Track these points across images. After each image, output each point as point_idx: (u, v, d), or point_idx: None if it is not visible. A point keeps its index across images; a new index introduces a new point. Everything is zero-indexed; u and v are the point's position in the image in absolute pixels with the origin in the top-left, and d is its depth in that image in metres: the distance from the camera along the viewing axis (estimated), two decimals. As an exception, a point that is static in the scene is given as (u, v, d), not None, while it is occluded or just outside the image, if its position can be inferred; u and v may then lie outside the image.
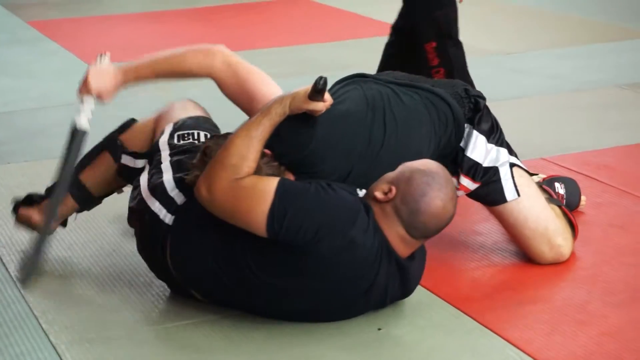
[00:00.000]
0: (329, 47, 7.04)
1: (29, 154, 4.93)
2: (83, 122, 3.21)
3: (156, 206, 3.11)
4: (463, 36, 6.96)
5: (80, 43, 7.41)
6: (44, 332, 2.98)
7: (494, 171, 3.30)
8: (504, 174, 3.30)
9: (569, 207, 3.70)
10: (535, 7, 8.21)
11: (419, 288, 3.23)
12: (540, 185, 3.64)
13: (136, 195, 3.24)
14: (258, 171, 2.96)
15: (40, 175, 4.26)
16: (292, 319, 3.03)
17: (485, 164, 3.29)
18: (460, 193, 3.33)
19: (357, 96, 3.19)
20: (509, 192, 3.31)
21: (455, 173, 3.26)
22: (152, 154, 3.37)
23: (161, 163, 3.25)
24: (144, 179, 3.27)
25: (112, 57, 6.85)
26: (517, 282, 3.38)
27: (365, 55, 6.57)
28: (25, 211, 3.65)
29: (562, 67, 6.21)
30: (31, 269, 3.09)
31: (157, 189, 3.15)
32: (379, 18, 7.89)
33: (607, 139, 4.71)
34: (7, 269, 3.48)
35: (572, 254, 3.45)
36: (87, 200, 3.60)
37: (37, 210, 3.61)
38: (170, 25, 7.90)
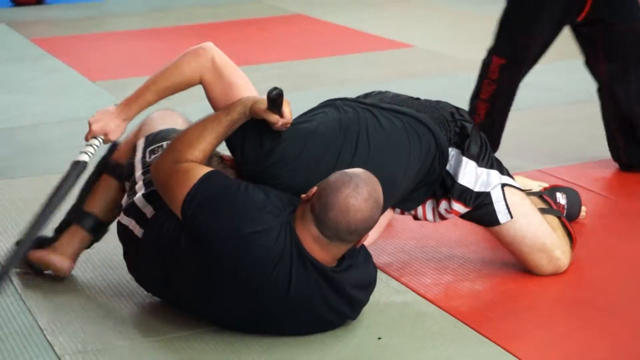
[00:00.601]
0: (326, 61, 7.04)
1: (32, 169, 4.92)
2: (82, 156, 3.22)
3: (132, 224, 3.13)
4: (460, 53, 7.04)
5: (82, 60, 7.41)
6: (49, 343, 2.96)
7: (485, 195, 3.29)
8: (496, 196, 3.30)
9: (570, 217, 3.72)
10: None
11: (418, 298, 3.25)
12: (541, 194, 3.65)
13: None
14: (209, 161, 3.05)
15: (43, 190, 4.23)
16: (242, 328, 3.03)
17: (476, 189, 3.28)
18: (451, 216, 3.37)
19: (331, 119, 3.18)
20: (501, 214, 3.30)
21: (446, 198, 3.30)
22: (130, 174, 3.38)
23: (136, 183, 3.26)
24: (124, 201, 3.29)
25: (111, 73, 6.88)
26: (516, 292, 3.37)
27: (361, 70, 6.61)
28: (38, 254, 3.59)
29: (556, 80, 6.21)
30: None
31: (131, 208, 3.17)
32: (375, 33, 7.95)
33: (603, 151, 4.71)
34: (11, 281, 3.41)
35: (571, 263, 3.44)
36: (98, 227, 3.56)
37: (49, 252, 3.57)
38: (169, 42, 7.90)
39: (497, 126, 4.49)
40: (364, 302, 3.02)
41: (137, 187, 3.23)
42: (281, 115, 2.91)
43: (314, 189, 2.83)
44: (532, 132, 5.17)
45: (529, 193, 3.61)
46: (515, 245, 3.38)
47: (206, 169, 2.94)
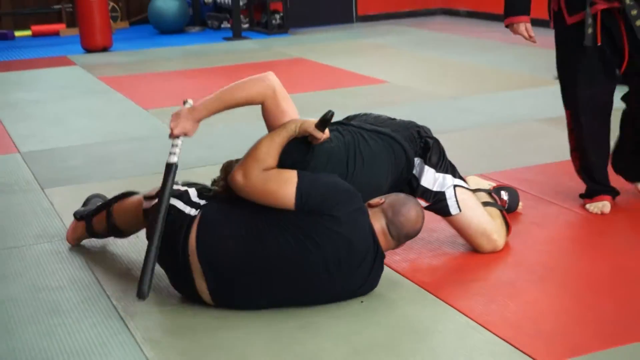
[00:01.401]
0: (321, 94, 7.04)
1: (100, 176, 4.91)
2: (173, 159, 3.16)
3: (181, 205, 3.07)
4: (423, 87, 7.06)
5: (137, 93, 7.41)
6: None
7: (441, 193, 3.37)
8: (449, 195, 3.37)
9: (510, 209, 3.81)
10: (473, 63, 8.23)
11: (391, 271, 3.29)
12: (489, 191, 3.68)
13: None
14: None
15: (109, 192, 4.25)
16: (297, 295, 3.00)
17: (434, 189, 3.37)
18: None
19: (339, 140, 3.22)
20: (452, 208, 3.37)
21: (412, 195, 3.35)
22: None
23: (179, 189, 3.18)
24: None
25: (159, 103, 6.88)
26: (465, 266, 3.41)
27: (348, 100, 6.60)
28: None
29: (493, 107, 6.22)
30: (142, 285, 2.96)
31: (183, 196, 3.11)
32: (358, 72, 7.95)
33: (527, 160, 4.74)
34: (110, 300, 3.24)
35: (506, 244, 3.49)
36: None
37: (80, 225, 3.67)
38: (201, 79, 7.90)
39: (597, 170, 3.86)
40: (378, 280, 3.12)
41: (181, 188, 3.16)
42: (324, 132, 3.05)
43: (383, 199, 3.04)
44: (476, 145, 5.17)
45: (480, 190, 3.65)
46: (463, 231, 3.43)
47: (293, 171, 2.97)
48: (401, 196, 3.09)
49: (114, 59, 9.73)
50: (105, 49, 10.42)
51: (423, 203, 3.33)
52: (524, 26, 3.76)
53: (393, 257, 3.41)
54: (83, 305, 3.19)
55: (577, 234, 3.73)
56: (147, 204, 3.22)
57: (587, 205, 3.85)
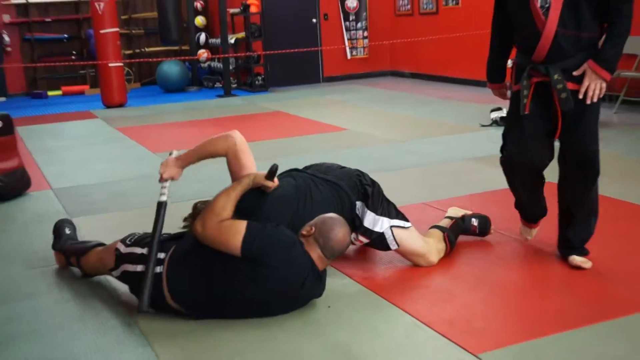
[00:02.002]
0: (294, 139, 7.04)
1: (116, 208, 4.88)
2: (163, 198, 3.19)
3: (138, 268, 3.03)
4: (376, 133, 7.11)
5: (147, 140, 7.39)
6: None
7: (380, 233, 3.32)
8: (388, 235, 3.32)
9: (483, 232, 3.73)
10: (415, 115, 8.30)
11: (352, 281, 3.28)
12: (460, 217, 3.67)
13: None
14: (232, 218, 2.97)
15: (123, 220, 4.23)
16: (256, 314, 2.95)
17: (375, 230, 3.32)
18: (358, 243, 3.52)
19: (291, 184, 3.24)
20: (392, 245, 3.34)
21: (355, 232, 3.36)
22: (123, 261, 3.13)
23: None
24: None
25: (165, 147, 6.83)
26: (409, 277, 3.38)
27: (316, 144, 6.62)
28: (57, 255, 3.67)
29: (432, 149, 6.24)
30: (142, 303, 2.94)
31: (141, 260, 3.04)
32: (324, 122, 7.97)
33: (460, 191, 4.76)
34: (124, 308, 3.19)
35: (447, 259, 3.48)
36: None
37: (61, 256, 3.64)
38: (198, 129, 7.85)
39: (529, 210, 3.53)
40: (323, 290, 3.06)
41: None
42: (272, 182, 3.07)
43: (313, 228, 2.94)
44: (420, 180, 5.19)
45: (452, 217, 3.66)
46: (403, 255, 3.43)
47: (243, 222, 2.88)
48: (327, 221, 2.98)
49: (128, 113, 9.70)
50: (121, 105, 10.42)
51: (364, 239, 3.36)
52: (497, 92, 3.48)
53: (354, 271, 3.42)
54: (102, 314, 3.15)
55: (503, 251, 3.67)
56: (121, 246, 3.17)
57: (520, 226, 3.66)
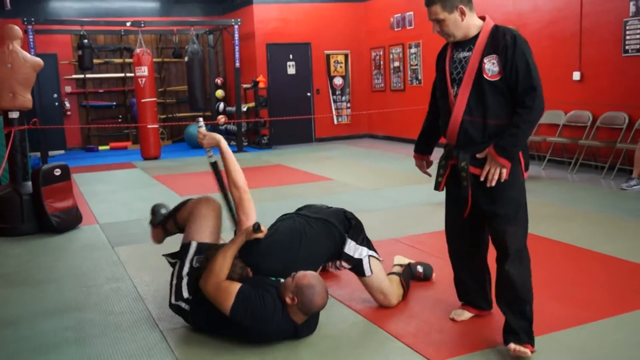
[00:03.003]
0: (291, 187, 7.00)
1: (148, 241, 4.72)
2: (212, 159, 3.17)
3: (182, 305, 2.94)
4: (355, 182, 7.12)
5: (175, 185, 7.36)
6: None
7: (359, 260, 3.12)
8: (365, 262, 3.12)
9: (427, 277, 3.56)
10: (387, 168, 8.31)
11: (348, 310, 3.19)
12: (407, 265, 3.50)
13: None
14: (234, 267, 2.81)
15: (154, 250, 4.17)
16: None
17: (355, 256, 3.11)
18: (342, 269, 3.19)
19: (287, 226, 3.02)
20: (367, 271, 3.12)
21: (339, 260, 3.14)
22: (181, 256, 3.04)
23: (182, 278, 2.98)
24: (174, 283, 3.00)
25: (190, 192, 6.74)
26: (374, 312, 3.23)
27: (307, 190, 6.60)
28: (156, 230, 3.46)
29: (400, 195, 6.24)
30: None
31: (178, 292, 2.96)
32: (315, 173, 7.98)
33: (421, 229, 4.74)
34: (154, 321, 3.12)
35: (403, 300, 3.29)
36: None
37: (159, 230, 3.43)
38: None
39: (463, 285, 3.02)
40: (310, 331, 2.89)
41: (183, 273, 2.98)
42: (261, 232, 2.82)
43: (295, 299, 2.69)
44: (390, 221, 5.17)
45: (400, 264, 3.50)
46: (369, 288, 3.20)
47: (237, 286, 2.72)
48: (306, 292, 2.69)
49: (161, 164, 9.68)
50: (156, 158, 10.40)
51: (345, 264, 3.13)
52: (417, 162, 3.10)
53: (354, 304, 3.35)
54: (137, 324, 3.10)
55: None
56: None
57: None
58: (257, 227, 2.82)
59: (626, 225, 4.69)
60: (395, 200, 5.99)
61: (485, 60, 2.51)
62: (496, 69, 2.49)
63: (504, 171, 2.54)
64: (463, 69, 2.58)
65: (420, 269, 3.57)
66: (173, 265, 3.07)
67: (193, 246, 3.02)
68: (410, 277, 3.49)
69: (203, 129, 3.15)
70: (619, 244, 4.17)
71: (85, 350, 2.82)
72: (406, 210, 5.55)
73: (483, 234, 2.84)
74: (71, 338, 2.97)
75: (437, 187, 2.77)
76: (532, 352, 2.56)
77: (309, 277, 2.72)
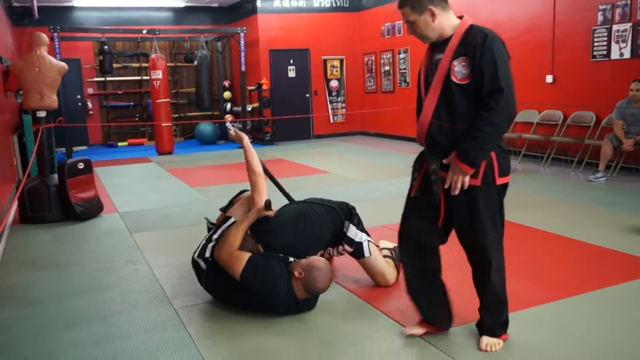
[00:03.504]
0: (292, 179, 6.97)
1: (164, 226, 4.82)
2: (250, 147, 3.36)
3: (201, 263, 2.97)
4: (350, 175, 7.13)
5: (187, 178, 7.33)
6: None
7: (360, 243, 3.15)
8: (365, 245, 3.15)
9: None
10: (378, 162, 8.30)
11: (345, 290, 3.18)
12: (392, 248, 3.40)
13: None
14: (246, 242, 2.85)
15: (168, 236, 4.18)
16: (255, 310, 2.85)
17: (356, 240, 3.14)
18: (344, 253, 3.19)
19: (293, 209, 3.12)
20: (366, 252, 3.14)
21: (341, 244, 3.15)
22: (219, 225, 3.09)
23: (211, 241, 3.00)
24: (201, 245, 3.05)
25: (200, 183, 6.72)
26: (371, 293, 3.26)
27: (306, 183, 6.59)
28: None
29: (389, 187, 6.23)
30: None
31: (202, 251, 3.00)
32: (313, 166, 7.96)
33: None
34: (169, 299, 3.10)
35: (397, 282, 3.27)
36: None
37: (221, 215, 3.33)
38: (224, 170, 7.85)
39: (417, 298, 2.57)
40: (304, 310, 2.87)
41: (210, 245, 2.99)
42: (271, 210, 2.91)
43: (303, 273, 2.71)
44: (381, 209, 5.17)
45: (386, 248, 3.46)
46: (369, 269, 3.20)
47: (247, 254, 2.75)
48: (314, 272, 2.71)
49: (174, 159, 9.64)
50: (169, 153, 10.36)
51: (347, 247, 3.15)
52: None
53: (347, 283, 3.34)
54: (152, 303, 3.10)
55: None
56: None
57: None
58: (268, 204, 2.89)
59: (593, 213, 4.70)
60: (385, 192, 5.97)
61: (455, 62, 2.16)
62: (466, 71, 2.14)
63: (467, 179, 2.19)
64: (434, 72, 2.25)
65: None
66: (209, 229, 3.18)
67: (230, 221, 3.07)
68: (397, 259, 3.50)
69: (232, 130, 3.46)
70: (586, 230, 4.18)
71: (106, 326, 2.83)
72: (395, 200, 5.52)
73: (440, 246, 2.47)
74: (93, 315, 2.97)
75: (410, 192, 2.42)
76: (504, 339, 2.44)
77: (321, 261, 2.77)
